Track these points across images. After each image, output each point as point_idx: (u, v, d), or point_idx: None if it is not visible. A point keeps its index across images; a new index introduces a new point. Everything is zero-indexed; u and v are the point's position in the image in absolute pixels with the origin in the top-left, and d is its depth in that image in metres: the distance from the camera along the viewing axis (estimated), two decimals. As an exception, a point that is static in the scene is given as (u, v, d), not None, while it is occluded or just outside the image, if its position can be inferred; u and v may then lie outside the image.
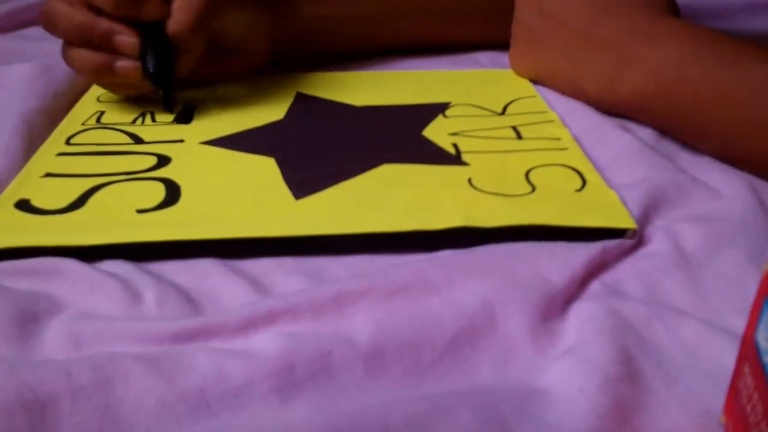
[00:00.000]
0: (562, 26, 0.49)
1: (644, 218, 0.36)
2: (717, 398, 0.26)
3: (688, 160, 0.42)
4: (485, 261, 0.32)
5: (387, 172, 0.41)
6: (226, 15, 0.49)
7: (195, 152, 0.44)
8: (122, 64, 0.45)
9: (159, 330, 0.29)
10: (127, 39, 0.45)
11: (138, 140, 0.45)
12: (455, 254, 0.34)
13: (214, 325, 0.29)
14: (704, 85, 0.41)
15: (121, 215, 0.37)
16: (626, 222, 0.35)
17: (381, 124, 0.48)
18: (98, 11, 0.45)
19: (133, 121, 0.48)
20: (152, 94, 0.48)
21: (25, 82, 0.49)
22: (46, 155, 0.43)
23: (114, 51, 0.45)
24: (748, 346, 0.23)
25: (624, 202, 0.37)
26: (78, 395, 0.26)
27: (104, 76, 0.46)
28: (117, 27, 0.45)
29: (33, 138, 0.45)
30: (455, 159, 0.42)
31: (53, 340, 0.29)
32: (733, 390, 0.24)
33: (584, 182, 0.39)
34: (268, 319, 0.29)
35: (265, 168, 0.41)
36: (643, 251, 0.35)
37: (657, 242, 0.35)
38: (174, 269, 0.33)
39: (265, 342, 0.28)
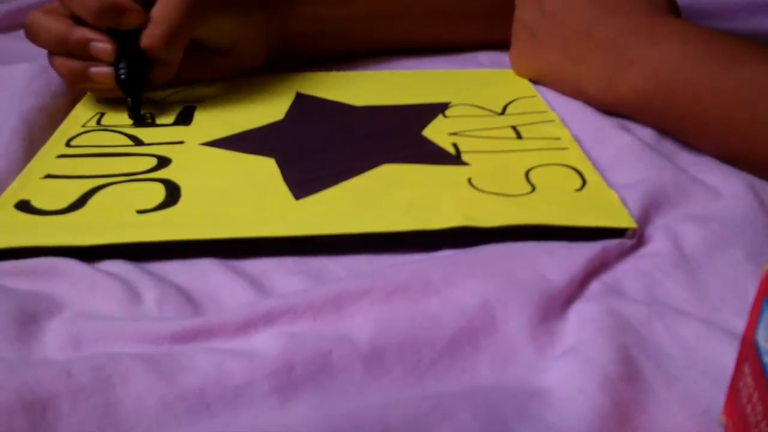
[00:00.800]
0: (562, 26, 0.49)
1: (644, 218, 0.36)
2: (717, 398, 0.26)
3: (688, 160, 0.42)
4: (485, 261, 0.32)
5: (387, 172, 0.41)
6: (208, 23, 0.49)
7: (195, 153, 0.44)
8: (96, 70, 0.47)
9: (159, 330, 0.29)
10: (101, 46, 0.46)
11: (138, 142, 0.45)
12: (455, 254, 0.34)
13: (214, 325, 0.29)
14: (704, 85, 0.41)
15: (121, 216, 0.37)
16: (626, 222, 0.35)
17: (381, 124, 0.48)
18: (80, 21, 0.46)
19: (133, 123, 0.48)
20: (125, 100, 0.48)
21: (24, 82, 0.49)
22: (47, 157, 0.43)
23: (91, 58, 0.46)
24: (748, 346, 0.23)
25: (624, 202, 0.37)
26: (78, 395, 0.26)
27: (81, 82, 0.48)
28: (92, 35, 0.46)
29: (33, 138, 0.45)
30: (455, 159, 0.42)
31: (53, 340, 0.29)
32: (733, 390, 0.24)
33: (584, 182, 0.39)
34: (268, 319, 0.29)
35: (265, 168, 0.41)
36: (643, 251, 0.35)
37: (657, 242, 0.35)
38: (174, 269, 0.33)
39: (265, 342, 0.28)
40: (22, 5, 0.71)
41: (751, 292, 0.31)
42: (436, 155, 0.43)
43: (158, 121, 0.48)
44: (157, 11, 0.46)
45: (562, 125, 0.46)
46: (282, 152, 0.43)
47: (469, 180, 0.40)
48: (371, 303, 0.30)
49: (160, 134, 0.46)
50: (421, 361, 0.28)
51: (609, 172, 0.41)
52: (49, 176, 0.41)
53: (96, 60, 0.46)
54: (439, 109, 0.50)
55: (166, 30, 0.46)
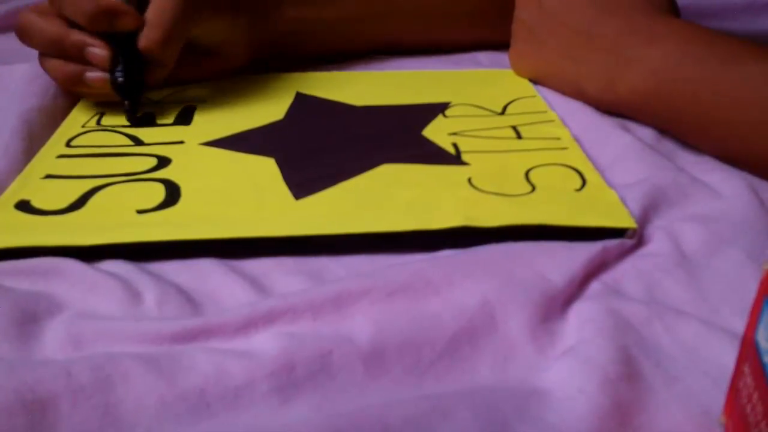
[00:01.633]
0: (562, 26, 0.49)
1: (644, 218, 0.36)
2: (717, 398, 0.26)
3: (688, 160, 0.42)
4: (485, 261, 0.32)
5: (387, 172, 0.41)
6: (202, 24, 0.49)
7: (195, 153, 0.44)
8: (92, 75, 0.46)
9: (159, 330, 0.29)
10: (98, 51, 0.45)
11: (138, 142, 0.45)
12: (455, 254, 0.34)
13: (214, 325, 0.29)
14: (704, 85, 0.41)
15: (121, 215, 0.37)
16: (626, 221, 0.35)
17: (381, 124, 0.48)
18: (71, 23, 0.45)
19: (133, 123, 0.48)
20: (121, 102, 0.48)
21: (24, 82, 0.49)
22: (47, 157, 0.43)
23: (86, 62, 0.46)
24: (748, 346, 0.23)
25: (624, 202, 0.37)
26: (78, 395, 0.26)
27: (76, 86, 0.47)
28: (89, 39, 0.45)
29: (33, 138, 0.45)
30: (455, 159, 0.42)
31: (53, 340, 0.29)
32: (733, 390, 0.24)
33: (584, 182, 0.39)
34: (268, 319, 0.29)
35: (265, 168, 0.41)
36: (643, 251, 0.35)
37: (657, 242, 0.35)
38: (174, 269, 0.33)
39: (265, 342, 0.28)
40: (22, 5, 0.70)
41: (751, 292, 0.31)
42: (436, 155, 0.43)
43: (158, 121, 0.48)
44: (152, 13, 0.46)
45: (562, 125, 0.46)
46: (282, 152, 0.43)
47: (469, 180, 0.40)
48: (371, 303, 0.30)
49: (160, 134, 0.46)
50: (421, 361, 0.28)
51: (609, 172, 0.41)
52: (49, 176, 0.41)
53: (90, 65, 0.46)
54: (439, 109, 0.50)
55: (164, 32, 0.46)
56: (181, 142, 0.45)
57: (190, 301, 0.32)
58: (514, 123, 0.47)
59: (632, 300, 0.31)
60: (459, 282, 0.31)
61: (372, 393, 0.27)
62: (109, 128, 0.47)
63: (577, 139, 0.45)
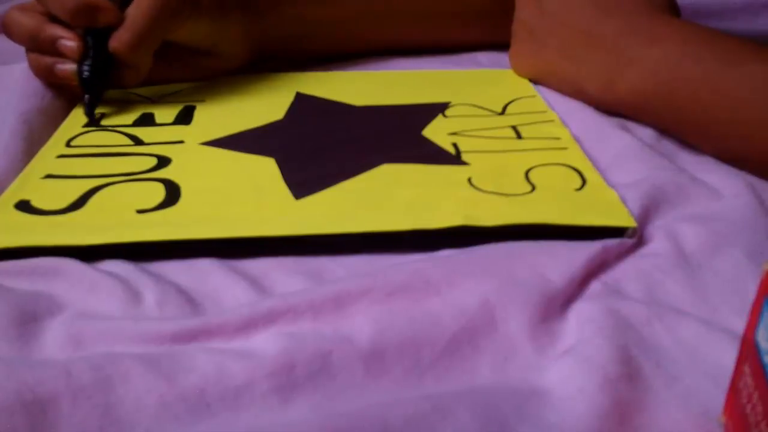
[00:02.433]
0: (562, 26, 0.49)
1: (644, 218, 0.36)
2: (717, 398, 0.26)
3: (688, 160, 0.42)
4: (485, 261, 0.32)
5: (387, 172, 0.41)
6: (182, 26, 0.49)
7: (195, 153, 0.44)
8: (61, 67, 0.47)
9: (159, 330, 0.29)
10: (68, 44, 0.47)
11: (138, 142, 0.45)
12: (455, 254, 0.34)
13: (214, 325, 0.29)
14: (704, 84, 0.41)
15: (121, 215, 0.37)
16: (626, 221, 0.35)
17: (381, 124, 0.48)
18: (55, 18, 0.47)
19: (133, 123, 0.48)
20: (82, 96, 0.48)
21: (24, 82, 0.49)
22: (47, 157, 0.43)
23: (60, 54, 0.47)
24: (748, 346, 0.23)
25: (624, 202, 0.37)
26: (78, 395, 0.26)
27: (48, 77, 0.48)
28: (62, 32, 0.47)
29: (32, 138, 0.45)
30: (455, 159, 0.42)
31: (53, 340, 0.29)
32: (733, 390, 0.24)
33: (584, 181, 0.39)
34: (269, 319, 0.29)
35: (265, 168, 0.41)
36: (643, 251, 0.35)
37: (657, 242, 0.35)
38: (174, 269, 0.33)
39: (265, 342, 0.28)
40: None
41: (751, 292, 0.31)
42: (436, 155, 0.43)
43: (158, 120, 0.48)
44: (129, 13, 0.47)
45: (561, 125, 0.46)
46: (282, 152, 0.43)
47: (469, 180, 0.40)
48: (371, 303, 0.30)
49: (160, 134, 0.46)
50: (421, 361, 0.28)
51: (609, 171, 0.41)
52: (49, 176, 0.41)
53: (63, 57, 0.47)
54: (439, 109, 0.50)
55: (134, 35, 0.46)
56: (181, 142, 0.45)
57: (190, 301, 0.32)
58: (514, 123, 0.47)
59: (632, 300, 0.31)
60: (459, 282, 0.31)
61: (372, 393, 0.27)
62: (109, 128, 0.47)
63: (577, 139, 0.45)
